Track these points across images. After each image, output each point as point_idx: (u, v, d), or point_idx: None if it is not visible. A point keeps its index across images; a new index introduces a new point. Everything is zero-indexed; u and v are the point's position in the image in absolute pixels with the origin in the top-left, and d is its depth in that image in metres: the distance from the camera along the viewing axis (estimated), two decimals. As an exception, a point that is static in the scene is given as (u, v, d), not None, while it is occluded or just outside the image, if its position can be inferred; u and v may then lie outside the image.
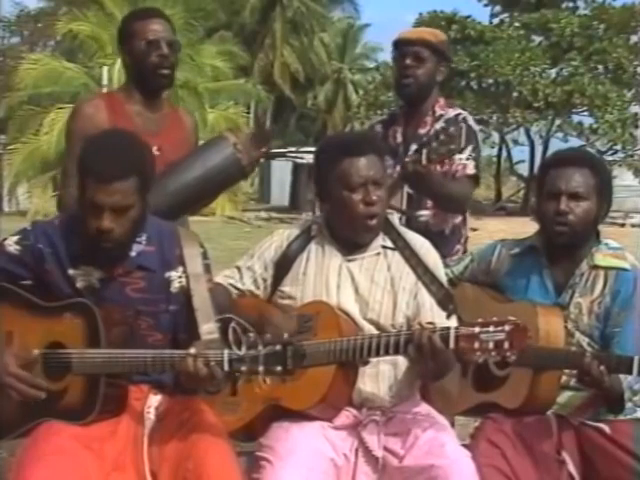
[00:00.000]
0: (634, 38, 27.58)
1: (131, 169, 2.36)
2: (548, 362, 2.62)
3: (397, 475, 2.51)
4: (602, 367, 2.49)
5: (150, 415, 2.44)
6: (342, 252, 2.69)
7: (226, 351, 2.23)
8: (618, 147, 26.63)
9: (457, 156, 3.34)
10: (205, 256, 2.55)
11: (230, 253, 8.57)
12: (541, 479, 2.57)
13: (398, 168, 3.32)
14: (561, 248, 2.76)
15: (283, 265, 2.72)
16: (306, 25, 39.97)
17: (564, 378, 2.68)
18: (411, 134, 3.49)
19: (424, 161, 3.34)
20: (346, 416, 2.59)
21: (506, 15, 31.23)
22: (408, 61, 3.46)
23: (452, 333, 2.30)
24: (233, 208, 21.14)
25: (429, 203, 3.44)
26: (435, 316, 2.58)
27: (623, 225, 21.13)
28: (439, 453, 2.45)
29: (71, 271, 2.45)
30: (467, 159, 3.37)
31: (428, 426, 2.56)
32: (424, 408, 2.68)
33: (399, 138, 3.51)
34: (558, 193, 2.72)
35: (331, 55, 41.83)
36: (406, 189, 3.41)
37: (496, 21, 30.65)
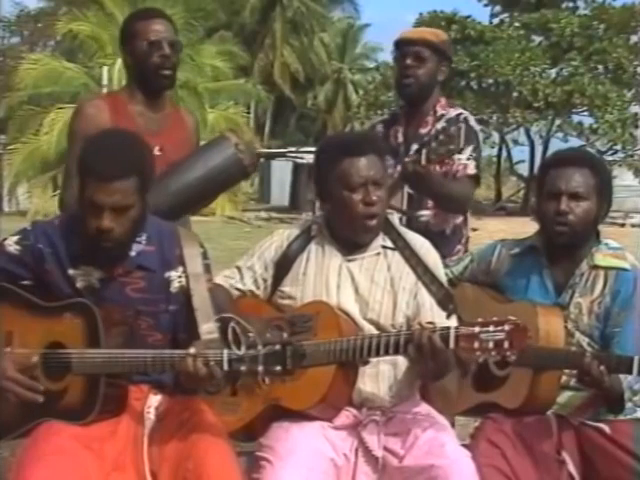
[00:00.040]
0: (634, 38, 27.60)
1: (131, 169, 2.36)
2: (548, 362, 2.62)
3: (397, 475, 2.51)
4: (602, 367, 2.49)
5: (150, 415, 2.44)
6: (342, 252, 2.69)
7: (225, 351, 2.23)
8: (618, 147, 26.63)
9: (458, 156, 3.34)
10: (205, 256, 2.55)
11: (230, 253, 8.57)
12: (541, 479, 2.57)
13: (399, 168, 3.32)
14: (561, 248, 2.76)
15: (283, 265, 2.72)
16: (306, 25, 39.98)
17: (564, 378, 2.68)
18: (412, 134, 3.49)
19: (423, 161, 3.34)
20: (346, 416, 2.59)
21: (506, 15, 31.23)
22: (409, 61, 3.45)
23: (452, 333, 2.30)
24: (233, 208, 21.14)
25: (430, 203, 3.44)
26: (435, 316, 2.58)
27: (623, 225, 21.13)
28: (439, 453, 2.45)
29: (71, 271, 2.45)
30: (468, 159, 3.37)
31: (428, 426, 2.56)
32: (424, 408, 2.68)
33: (400, 138, 3.51)
34: (558, 193, 2.72)
35: (331, 55, 41.84)
36: (407, 189, 3.41)
37: (496, 21, 30.65)
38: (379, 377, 2.62)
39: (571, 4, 31.26)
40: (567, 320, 2.71)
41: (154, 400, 2.47)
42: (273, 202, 31.19)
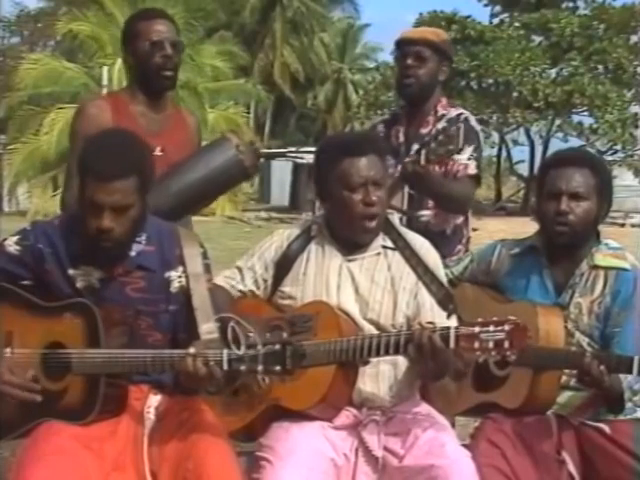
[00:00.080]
0: (634, 38, 27.61)
1: (131, 168, 2.36)
2: (548, 362, 2.62)
3: (397, 475, 2.51)
4: (602, 367, 2.49)
5: (150, 415, 2.44)
6: (342, 252, 2.69)
7: (225, 351, 2.23)
8: (618, 147, 26.64)
9: (458, 156, 3.34)
10: (205, 256, 2.55)
11: (230, 253, 8.57)
12: (541, 479, 2.57)
13: (400, 168, 3.31)
14: (561, 248, 2.76)
15: (283, 265, 2.72)
16: (306, 25, 39.98)
17: (564, 378, 2.68)
18: (413, 134, 3.48)
19: (423, 161, 3.34)
20: (346, 416, 2.59)
21: (506, 15, 31.23)
22: (410, 61, 3.45)
23: (452, 333, 2.30)
24: (233, 208, 21.15)
25: (430, 203, 3.43)
26: (435, 316, 2.58)
27: (623, 225, 21.13)
28: (439, 453, 2.45)
29: (71, 271, 2.45)
30: (468, 159, 3.37)
31: (428, 426, 2.56)
32: (424, 408, 2.68)
33: (401, 138, 3.51)
34: (558, 193, 2.72)
35: (331, 55, 41.84)
36: (407, 189, 3.41)
37: (496, 21, 30.66)
38: (379, 377, 2.62)
39: (571, 4, 31.27)
40: (567, 320, 2.71)
41: (154, 400, 2.47)
42: (273, 202, 31.19)
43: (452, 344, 2.30)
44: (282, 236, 2.78)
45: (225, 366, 2.23)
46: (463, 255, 3.15)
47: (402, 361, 2.61)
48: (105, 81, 17.33)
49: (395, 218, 2.86)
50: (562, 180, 2.72)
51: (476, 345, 2.25)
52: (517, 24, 27.71)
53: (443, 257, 2.90)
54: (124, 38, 3.18)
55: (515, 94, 25.89)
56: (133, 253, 2.46)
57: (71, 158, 3.03)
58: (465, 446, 2.56)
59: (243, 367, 2.21)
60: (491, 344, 2.23)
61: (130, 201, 2.36)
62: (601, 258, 2.75)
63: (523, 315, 2.39)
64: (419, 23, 24.88)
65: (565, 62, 26.69)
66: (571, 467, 2.61)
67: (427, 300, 2.63)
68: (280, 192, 31.36)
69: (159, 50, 3.08)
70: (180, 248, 2.51)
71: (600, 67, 26.85)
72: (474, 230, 3.66)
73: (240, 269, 2.78)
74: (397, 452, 2.52)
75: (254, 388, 2.50)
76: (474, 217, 3.64)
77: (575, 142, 26.06)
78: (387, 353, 2.44)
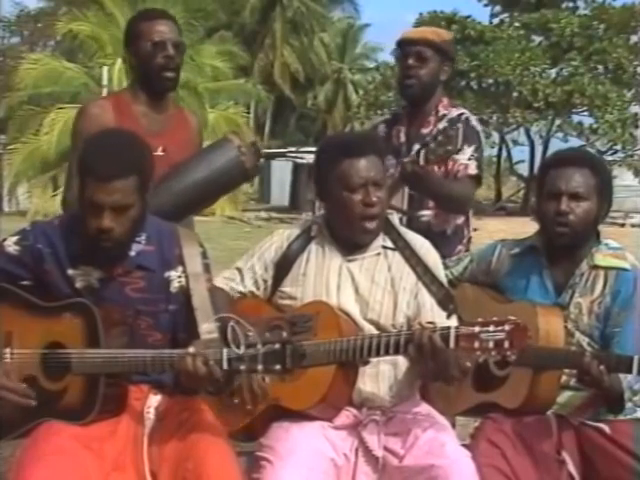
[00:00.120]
0: (634, 38, 27.61)
1: (131, 168, 2.36)
2: (548, 362, 2.62)
3: (397, 475, 2.51)
4: (602, 366, 2.49)
5: (150, 415, 2.44)
6: (342, 252, 2.69)
7: (225, 350, 2.23)
8: (618, 147, 26.64)
9: (459, 156, 3.34)
10: (204, 255, 2.55)
11: (230, 253, 8.57)
12: (541, 479, 2.57)
13: (399, 168, 3.31)
14: (561, 248, 2.76)
15: (283, 265, 2.72)
16: (306, 25, 40.01)
17: (564, 378, 2.67)
18: (414, 134, 3.48)
19: (422, 161, 3.34)
20: (346, 416, 2.59)
21: (506, 15, 31.24)
22: (411, 61, 3.44)
23: (452, 333, 2.30)
24: (233, 208, 21.15)
25: (430, 203, 3.43)
26: (435, 316, 2.58)
27: (623, 225, 21.14)
28: (439, 453, 2.45)
29: (70, 271, 2.45)
30: (469, 159, 3.36)
31: (428, 426, 2.55)
32: (424, 408, 2.68)
33: (402, 138, 3.50)
34: (558, 193, 2.72)
35: (331, 55, 41.87)
36: (407, 189, 3.41)
37: (496, 21, 30.67)
38: (379, 377, 2.61)
39: (571, 4, 31.28)
40: (567, 320, 2.71)
41: (154, 400, 2.47)
42: (273, 202, 31.20)
43: (452, 344, 2.30)
44: (282, 236, 2.78)
45: (225, 365, 2.22)
46: (462, 255, 3.15)
47: (402, 361, 2.61)
48: (105, 81, 17.33)
49: (395, 218, 2.86)
50: (562, 180, 2.72)
51: (476, 345, 2.25)
52: (517, 24, 27.71)
53: (444, 257, 2.90)
54: (126, 38, 3.19)
55: (515, 94, 25.89)
56: (133, 253, 2.46)
57: (73, 158, 3.03)
58: (465, 446, 2.56)
59: (243, 366, 2.21)
60: (491, 344, 2.23)
61: (130, 201, 2.36)
62: (601, 258, 2.75)
63: (523, 315, 2.39)
64: (419, 23, 24.88)
65: (565, 62, 26.69)
66: (571, 467, 2.61)
67: (427, 300, 2.63)
68: (280, 192, 31.36)
69: (161, 50, 3.08)
70: (180, 248, 2.51)
71: (600, 67, 26.86)
72: (474, 230, 3.65)
73: (240, 270, 2.78)
74: (397, 452, 2.52)
75: (254, 388, 2.49)
76: (474, 217, 3.63)
77: (575, 142, 26.11)
78: (387, 353, 2.44)
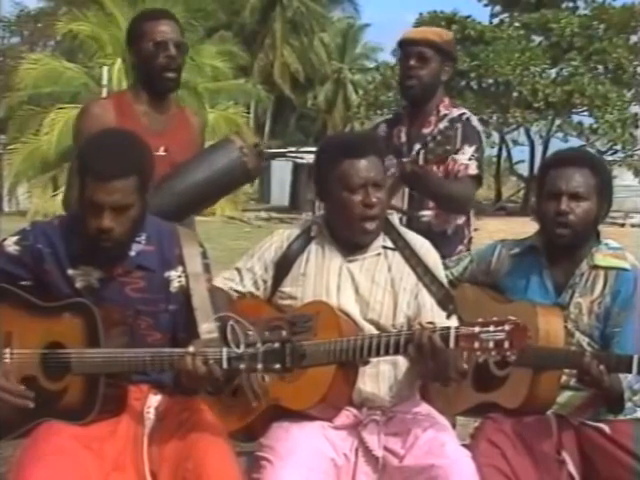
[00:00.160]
0: (634, 38, 27.61)
1: (131, 168, 2.36)
2: (548, 362, 2.62)
3: (397, 475, 2.51)
4: (601, 366, 2.49)
5: (150, 415, 2.44)
6: (342, 253, 2.69)
7: (225, 349, 2.23)
8: (618, 147, 26.63)
9: (459, 156, 3.34)
10: (204, 255, 2.55)
11: (230, 253, 8.57)
12: (541, 479, 2.57)
13: (399, 168, 3.31)
14: (561, 248, 2.76)
15: (283, 266, 2.72)
16: (306, 25, 40.01)
17: (564, 378, 2.67)
18: (415, 134, 3.47)
19: (421, 161, 3.33)
20: (346, 416, 2.59)
21: (506, 15, 31.23)
22: (412, 62, 3.43)
23: (452, 333, 2.30)
24: (233, 208, 21.15)
25: (431, 203, 3.42)
26: (435, 316, 2.58)
27: (623, 225, 21.14)
28: (439, 453, 2.45)
29: (70, 271, 2.45)
30: (469, 159, 3.36)
31: (428, 426, 2.55)
32: (424, 408, 2.68)
33: (403, 138, 3.50)
34: (558, 193, 2.72)
35: (331, 55, 41.86)
36: (408, 189, 3.41)
37: (496, 21, 30.66)
38: (379, 377, 2.61)
39: (571, 4, 31.28)
40: (567, 320, 2.71)
41: (154, 400, 2.47)
42: (273, 202, 31.21)
43: (452, 344, 2.30)
44: (282, 236, 2.78)
45: (224, 365, 2.22)
46: (462, 255, 3.15)
47: (402, 361, 2.61)
48: (105, 81, 17.34)
49: (395, 218, 2.86)
50: (562, 180, 2.72)
51: (476, 345, 2.25)
52: (517, 24, 27.71)
53: (444, 258, 2.90)
54: (128, 38, 3.19)
55: (515, 94, 25.88)
56: (133, 253, 2.46)
57: (74, 158, 3.03)
58: (465, 446, 2.56)
59: (243, 365, 2.21)
60: (491, 344, 2.23)
61: (130, 201, 2.36)
62: (601, 258, 2.75)
63: (523, 315, 2.39)
64: (419, 23, 24.86)
65: (565, 62, 26.69)
66: (571, 467, 2.61)
67: (427, 300, 2.63)
68: (280, 192, 31.37)
69: (163, 51, 3.08)
70: (180, 248, 2.51)
71: (600, 67, 26.85)
72: (474, 230, 3.65)
73: (239, 270, 2.77)
74: (397, 452, 2.52)
75: (249, 395, 2.50)
76: (474, 217, 3.63)
77: (575, 142, 26.10)
78: (387, 353, 2.43)
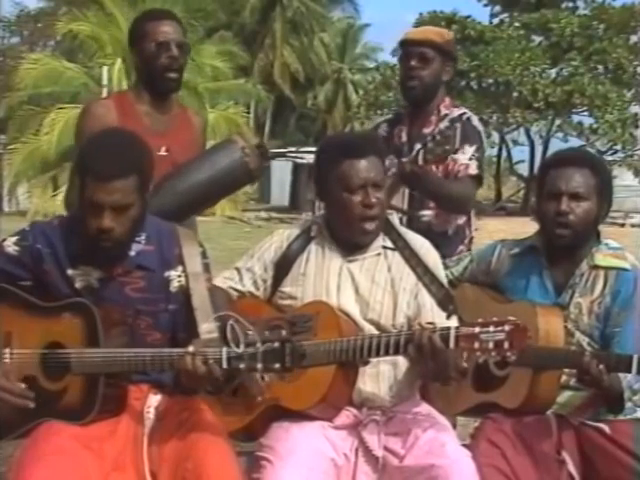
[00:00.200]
0: (634, 38, 27.60)
1: (131, 168, 2.36)
2: (548, 362, 2.62)
3: (397, 475, 2.51)
4: (601, 366, 2.49)
5: (150, 415, 2.43)
6: (342, 253, 2.69)
7: (224, 349, 2.23)
8: (618, 147, 26.63)
9: (460, 156, 3.33)
10: (204, 255, 2.55)
11: (230, 253, 8.57)
12: (541, 479, 2.57)
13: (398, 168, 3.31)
14: (561, 248, 2.76)
15: (283, 266, 2.72)
16: (306, 25, 40.00)
17: (564, 378, 2.67)
18: (416, 134, 3.47)
19: (421, 161, 3.33)
20: (346, 416, 2.59)
21: (506, 15, 31.23)
22: (413, 62, 3.42)
23: (452, 333, 2.30)
24: (233, 208, 21.14)
25: (431, 203, 3.42)
26: (435, 316, 2.58)
27: (623, 225, 21.14)
28: (439, 453, 2.45)
29: (70, 271, 2.45)
30: (470, 159, 3.35)
31: (428, 426, 2.55)
32: (424, 408, 2.68)
33: (404, 137, 3.49)
34: (558, 193, 2.72)
35: (331, 55, 41.85)
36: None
37: (496, 21, 30.65)
38: (379, 377, 2.61)
39: (571, 4, 31.28)
40: (567, 320, 2.71)
41: (154, 400, 2.46)
42: (273, 202, 31.21)
43: (452, 344, 2.30)
44: (282, 236, 2.78)
45: (224, 364, 2.22)
46: (462, 255, 3.15)
47: (402, 361, 2.61)
48: (105, 81, 17.34)
49: (395, 218, 2.86)
50: (562, 180, 2.72)
51: (476, 345, 2.25)
52: (517, 24, 27.70)
53: (445, 258, 2.90)
54: (130, 38, 3.19)
55: (515, 94, 25.87)
56: (132, 253, 2.46)
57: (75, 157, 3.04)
58: (465, 446, 2.56)
59: (242, 365, 2.21)
60: (491, 344, 2.23)
61: (130, 200, 2.36)
62: (601, 258, 2.75)
63: (523, 315, 2.39)
64: (419, 23, 24.81)
65: (565, 62, 26.68)
66: (571, 467, 2.61)
67: (427, 300, 2.63)
68: (280, 192, 31.37)
69: (165, 51, 3.08)
70: (179, 247, 2.51)
71: (600, 67, 26.84)
72: (475, 230, 3.65)
73: (239, 270, 2.78)
74: (397, 452, 2.52)
75: (251, 391, 2.50)
76: (474, 217, 3.63)
77: (575, 142, 26.08)
78: (387, 353, 2.43)
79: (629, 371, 2.50)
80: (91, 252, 2.42)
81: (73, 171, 3.10)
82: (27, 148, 19.09)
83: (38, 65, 19.77)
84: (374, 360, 2.52)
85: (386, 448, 2.53)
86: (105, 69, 17.78)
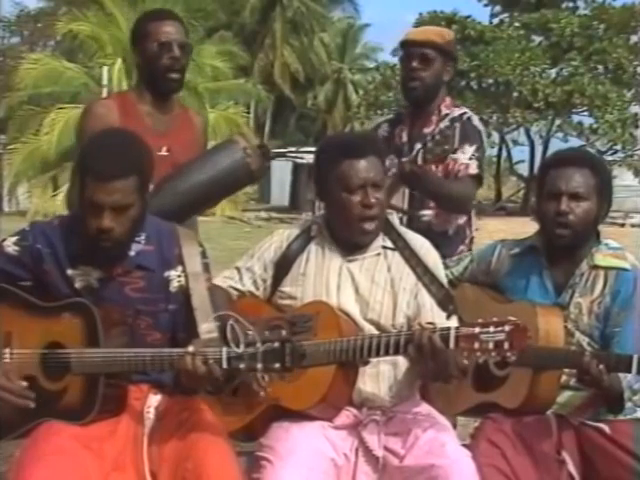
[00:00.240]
0: (634, 38, 27.62)
1: (131, 168, 2.36)
2: (548, 362, 2.62)
3: (397, 475, 2.51)
4: (601, 366, 2.49)
5: (150, 415, 2.43)
6: (342, 253, 2.69)
7: (224, 349, 2.23)
8: (618, 147, 26.63)
9: (460, 155, 3.33)
10: (204, 255, 2.55)
11: (230, 253, 8.57)
12: (541, 479, 2.57)
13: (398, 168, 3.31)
14: (561, 248, 2.76)
15: (283, 265, 2.72)
16: (306, 25, 40.00)
17: (564, 378, 2.67)
18: (416, 134, 3.47)
19: (420, 161, 3.33)
20: (346, 416, 2.59)
21: (506, 15, 31.24)
22: (414, 63, 3.42)
23: (452, 333, 2.30)
24: (233, 208, 21.12)
25: (432, 203, 3.42)
26: (435, 316, 2.58)
27: (623, 225, 21.14)
28: (439, 453, 2.45)
29: (70, 271, 2.45)
30: (470, 159, 3.35)
31: (428, 426, 2.55)
32: (424, 408, 2.68)
33: (404, 137, 3.49)
34: (558, 193, 2.72)
35: (331, 55, 41.85)
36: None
37: (496, 21, 30.66)
38: (379, 377, 2.61)
39: (571, 4, 31.29)
40: (567, 320, 2.71)
41: (154, 400, 2.46)
42: (273, 202, 31.21)
43: (452, 344, 2.30)
44: (282, 236, 2.78)
45: (224, 364, 2.22)
46: (462, 255, 3.15)
47: (402, 361, 2.61)
48: (105, 81, 17.34)
49: (395, 218, 2.86)
50: (562, 180, 2.72)
51: (476, 346, 2.25)
52: (517, 24, 27.71)
53: (445, 258, 2.89)
54: (132, 38, 3.19)
55: (515, 94, 25.88)
56: (132, 253, 2.46)
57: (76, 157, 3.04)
58: (465, 446, 2.56)
59: (242, 365, 2.20)
60: (491, 345, 2.23)
61: (130, 201, 2.36)
62: (601, 258, 2.75)
63: (523, 315, 2.39)
64: (419, 23, 24.81)
65: (565, 62, 26.69)
66: (571, 467, 2.61)
67: (427, 300, 2.63)
68: (280, 192, 31.37)
69: (167, 51, 3.09)
70: (179, 247, 2.51)
71: (600, 67, 26.85)
72: (475, 230, 3.64)
73: (239, 269, 2.78)
74: (397, 452, 2.52)
75: (253, 387, 2.50)
76: (475, 217, 3.63)
77: (575, 142, 26.10)
78: (387, 353, 2.43)
79: (629, 371, 2.50)
80: (91, 252, 2.42)
81: (74, 171, 3.10)
82: (27, 148, 19.09)
83: (38, 65, 19.76)
84: (374, 360, 2.52)
85: (386, 448, 2.53)
86: (105, 69, 17.77)
